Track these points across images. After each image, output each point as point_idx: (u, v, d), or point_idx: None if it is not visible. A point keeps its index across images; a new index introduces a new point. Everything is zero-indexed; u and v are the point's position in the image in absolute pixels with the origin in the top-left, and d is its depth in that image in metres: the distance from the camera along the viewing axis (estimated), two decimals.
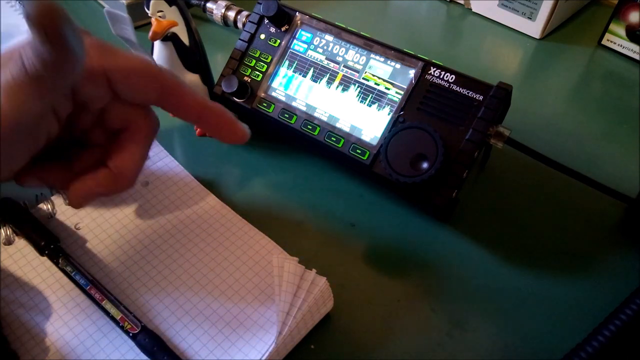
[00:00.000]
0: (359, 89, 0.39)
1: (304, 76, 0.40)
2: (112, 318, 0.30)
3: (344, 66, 0.39)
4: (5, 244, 0.34)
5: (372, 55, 0.39)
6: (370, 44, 0.39)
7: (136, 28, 0.36)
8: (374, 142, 0.37)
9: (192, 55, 0.40)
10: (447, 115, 0.36)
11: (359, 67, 0.39)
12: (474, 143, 0.35)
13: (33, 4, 0.21)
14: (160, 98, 0.29)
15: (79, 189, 0.30)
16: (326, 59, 0.40)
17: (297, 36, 0.41)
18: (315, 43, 0.40)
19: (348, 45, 0.40)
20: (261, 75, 0.41)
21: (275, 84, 0.41)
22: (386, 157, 0.35)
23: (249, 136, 0.30)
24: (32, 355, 0.30)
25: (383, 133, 0.37)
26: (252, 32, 0.42)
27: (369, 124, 0.38)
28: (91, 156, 0.31)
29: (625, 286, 0.34)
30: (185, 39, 0.39)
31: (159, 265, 0.34)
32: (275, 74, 0.41)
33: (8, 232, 0.35)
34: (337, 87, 0.39)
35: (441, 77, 0.37)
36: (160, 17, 0.37)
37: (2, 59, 0.25)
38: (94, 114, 0.29)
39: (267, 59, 0.41)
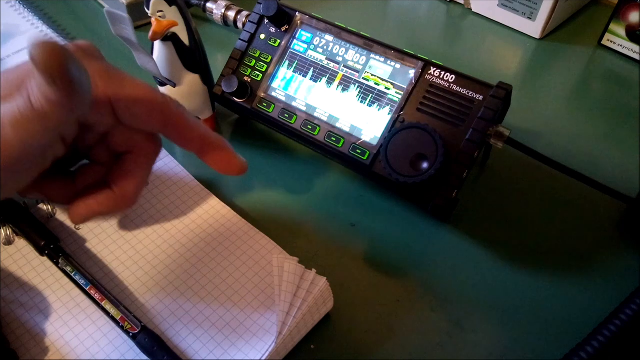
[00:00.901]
0: (359, 89, 0.39)
1: (304, 76, 0.40)
2: (112, 318, 0.30)
3: (344, 66, 0.39)
4: (5, 244, 0.34)
5: (372, 55, 0.39)
6: (370, 44, 0.39)
7: (136, 28, 0.36)
8: (374, 142, 0.37)
9: (192, 55, 0.40)
10: (447, 115, 0.36)
11: (359, 67, 0.39)
12: (474, 143, 0.35)
13: (37, 47, 0.21)
14: (163, 128, 0.29)
15: (80, 208, 0.30)
16: (326, 59, 0.40)
17: (297, 36, 0.41)
18: (315, 43, 0.40)
19: (348, 45, 0.40)
20: (261, 75, 0.41)
21: (275, 84, 0.41)
22: (386, 157, 0.35)
23: (247, 169, 0.31)
24: (32, 355, 0.30)
25: (383, 133, 0.37)
26: (252, 32, 0.42)
27: (369, 124, 0.38)
28: (94, 173, 0.31)
29: (625, 286, 0.34)
30: (185, 39, 0.39)
31: (158, 265, 0.34)
32: (275, 74, 0.41)
33: (8, 232, 0.35)
34: (337, 87, 0.39)
35: (441, 77, 0.37)
36: (160, 17, 0.37)
37: (6, 85, 0.25)
38: (97, 134, 0.30)
39: (267, 59, 0.41)
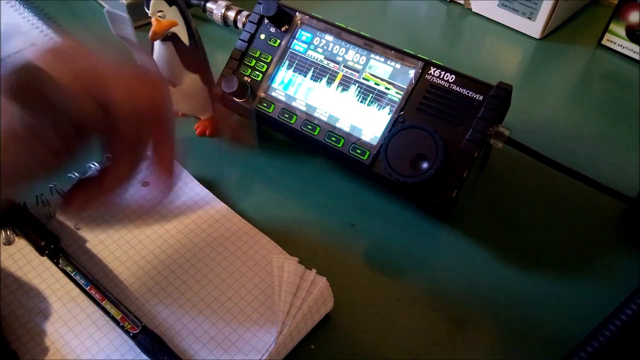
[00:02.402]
0: (358, 89, 0.39)
1: (304, 76, 0.40)
2: (112, 318, 0.30)
3: (344, 66, 0.39)
4: (5, 244, 0.34)
5: (372, 55, 0.39)
6: (370, 44, 0.39)
7: (136, 28, 0.36)
8: (374, 142, 0.37)
9: (192, 55, 0.40)
10: (447, 115, 0.36)
11: (359, 67, 0.39)
12: (474, 143, 0.35)
13: (8, 71, 0.20)
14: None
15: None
16: (326, 59, 0.40)
17: (297, 36, 0.41)
18: (315, 43, 0.40)
19: (348, 45, 0.40)
20: (261, 75, 0.41)
21: (275, 84, 0.41)
22: (386, 157, 0.35)
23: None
24: (32, 355, 0.30)
25: (383, 133, 0.37)
26: (252, 32, 0.42)
27: (369, 124, 0.38)
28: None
29: (625, 286, 0.34)
30: (185, 39, 0.39)
31: (158, 265, 0.34)
32: (275, 74, 0.41)
33: (8, 232, 0.35)
34: (337, 87, 0.39)
35: (441, 77, 0.37)
36: (160, 17, 0.37)
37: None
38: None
39: (267, 59, 0.41)
